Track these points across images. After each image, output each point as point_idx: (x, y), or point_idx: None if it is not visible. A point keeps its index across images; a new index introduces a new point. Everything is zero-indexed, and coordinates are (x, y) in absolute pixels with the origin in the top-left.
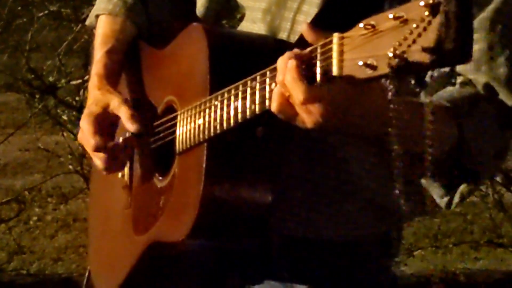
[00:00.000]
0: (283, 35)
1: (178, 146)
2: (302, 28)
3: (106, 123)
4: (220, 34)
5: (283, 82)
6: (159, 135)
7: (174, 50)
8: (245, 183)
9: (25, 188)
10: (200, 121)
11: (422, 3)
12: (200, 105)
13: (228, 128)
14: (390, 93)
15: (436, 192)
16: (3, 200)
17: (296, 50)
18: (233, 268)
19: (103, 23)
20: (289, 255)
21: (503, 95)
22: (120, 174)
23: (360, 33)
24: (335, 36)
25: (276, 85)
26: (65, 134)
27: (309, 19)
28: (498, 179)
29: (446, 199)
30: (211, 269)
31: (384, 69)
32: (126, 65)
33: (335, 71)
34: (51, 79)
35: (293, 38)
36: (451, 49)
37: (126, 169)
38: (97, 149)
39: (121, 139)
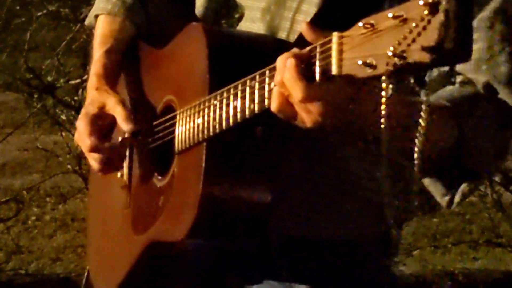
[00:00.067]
0: (282, 35)
1: (177, 145)
2: (302, 27)
3: (103, 123)
4: (219, 33)
5: (282, 81)
6: (158, 134)
7: (173, 50)
8: (244, 182)
9: (23, 187)
10: (199, 121)
11: (421, 2)
12: (199, 105)
13: (228, 128)
14: (389, 92)
15: (437, 191)
16: (1, 199)
17: (295, 50)
18: (232, 268)
19: (102, 23)
20: (289, 255)
21: (503, 94)
22: (119, 174)
23: (360, 32)
24: (335, 35)
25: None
26: (63, 133)
27: (308, 19)
28: (497, 179)
29: (447, 198)
30: (210, 269)
31: (383, 68)
32: (125, 65)
33: (334, 70)
34: (49, 78)
35: (293, 38)
36: (451, 48)
37: (125, 169)
38: (92, 149)
39: (119, 139)
